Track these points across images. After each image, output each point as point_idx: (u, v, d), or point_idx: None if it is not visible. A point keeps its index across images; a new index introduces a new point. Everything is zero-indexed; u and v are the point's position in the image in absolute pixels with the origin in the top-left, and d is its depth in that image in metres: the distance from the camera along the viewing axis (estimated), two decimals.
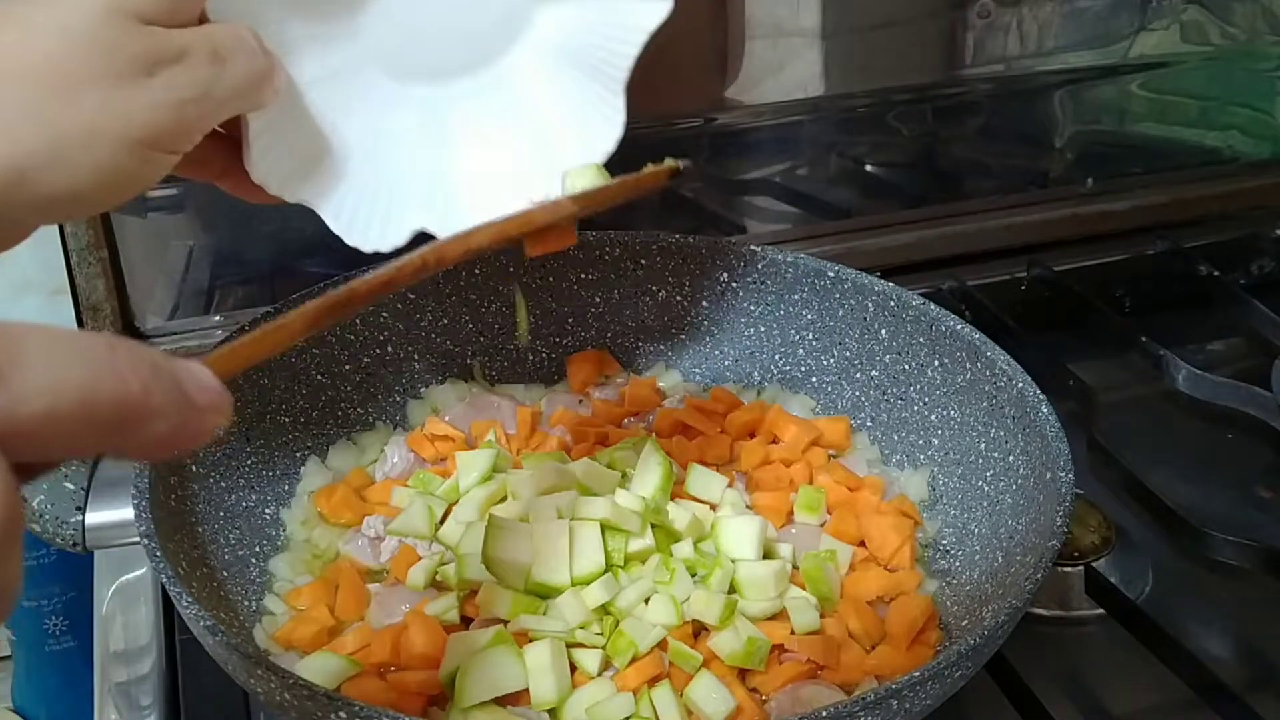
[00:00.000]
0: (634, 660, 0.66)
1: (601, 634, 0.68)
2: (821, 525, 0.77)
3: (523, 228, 0.62)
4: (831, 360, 0.87)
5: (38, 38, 0.47)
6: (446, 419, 0.84)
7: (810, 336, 0.88)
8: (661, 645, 0.67)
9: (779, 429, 0.83)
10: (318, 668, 0.65)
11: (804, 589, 0.72)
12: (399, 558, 0.73)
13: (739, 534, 0.72)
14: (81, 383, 0.29)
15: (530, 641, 0.66)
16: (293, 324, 0.49)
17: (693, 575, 0.71)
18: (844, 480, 0.80)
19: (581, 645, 0.67)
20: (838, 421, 0.84)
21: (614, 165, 0.62)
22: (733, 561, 0.71)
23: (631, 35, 0.63)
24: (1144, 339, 1.04)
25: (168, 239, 0.97)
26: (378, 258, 0.85)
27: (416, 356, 0.87)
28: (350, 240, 0.63)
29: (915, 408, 0.83)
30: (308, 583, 0.73)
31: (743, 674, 0.67)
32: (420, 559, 0.73)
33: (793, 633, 0.68)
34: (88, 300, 0.94)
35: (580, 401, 0.87)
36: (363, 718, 0.53)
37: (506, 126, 0.65)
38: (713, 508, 0.76)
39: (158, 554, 0.62)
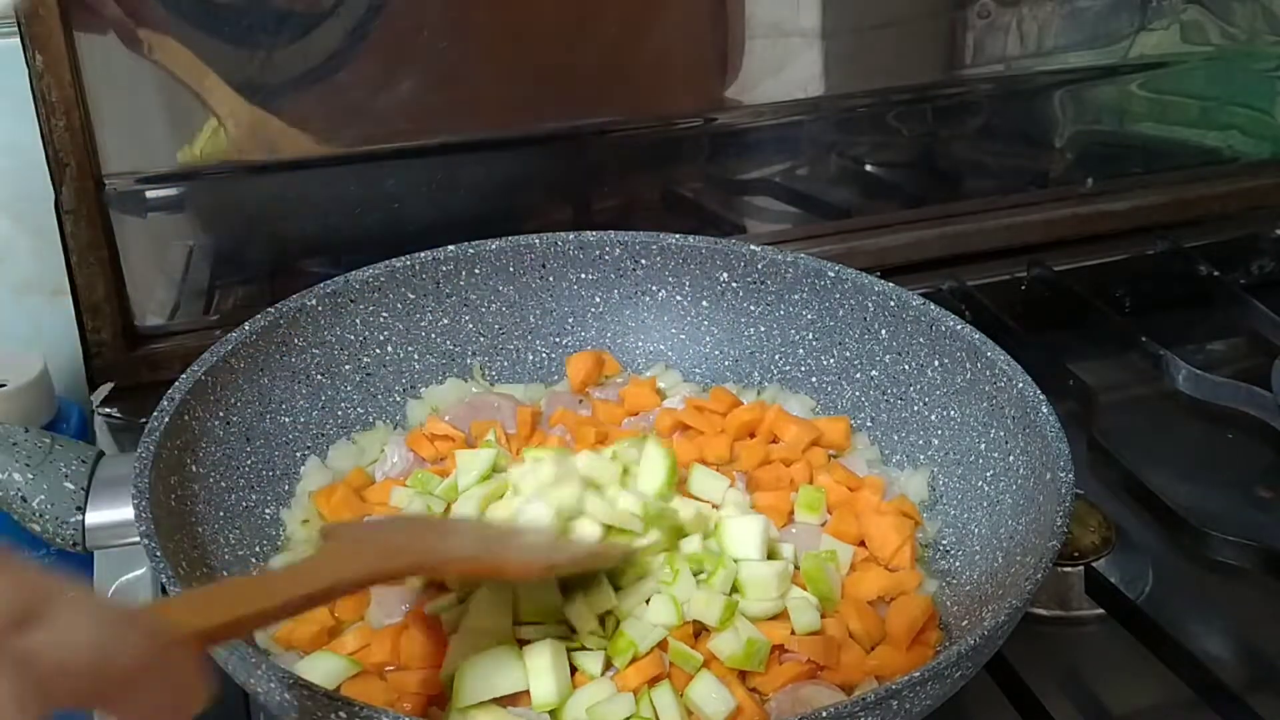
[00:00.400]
0: (634, 660, 0.66)
1: (604, 635, 0.67)
2: (822, 525, 0.77)
3: (495, 572, 0.67)
4: (831, 360, 0.87)
5: None
6: (447, 419, 0.84)
7: (810, 336, 0.88)
8: (662, 645, 0.67)
9: (779, 429, 0.83)
10: (318, 668, 0.65)
11: (804, 589, 0.72)
12: None
13: (743, 534, 0.72)
14: (95, 648, 0.32)
15: (530, 642, 0.66)
16: (288, 603, 0.51)
17: (697, 574, 0.71)
18: (844, 480, 0.80)
19: (582, 646, 0.67)
20: (838, 421, 0.84)
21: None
22: (735, 561, 0.71)
23: None
24: (1144, 339, 1.04)
25: (168, 239, 0.97)
26: (375, 259, 0.85)
27: (416, 356, 0.87)
28: None
29: (915, 408, 0.83)
30: None
31: (743, 674, 0.67)
32: None
33: (793, 633, 0.68)
34: (88, 300, 0.94)
35: (580, 401, 0.87)
36: (363, 718, 0.53)
37: None
38: (715, 507, 0.76)
39: (158, 554, 0.62)
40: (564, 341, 0.91)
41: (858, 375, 0.86)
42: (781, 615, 0.70)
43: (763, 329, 0.89)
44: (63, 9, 0.85)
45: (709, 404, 0.85)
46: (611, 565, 0.70)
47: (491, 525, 0.72)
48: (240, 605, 0.48)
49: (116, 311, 0.95)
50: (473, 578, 0.69)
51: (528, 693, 0.64)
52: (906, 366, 0.83)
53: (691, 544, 0.72)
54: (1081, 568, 0.80)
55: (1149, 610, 0.77)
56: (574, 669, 0.66)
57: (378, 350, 0.86)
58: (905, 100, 1.11)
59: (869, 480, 0.80)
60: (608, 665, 0.66)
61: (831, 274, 0.86)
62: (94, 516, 0.71)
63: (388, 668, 0.66)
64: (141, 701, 0.35)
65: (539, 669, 0.63)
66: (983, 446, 0.77)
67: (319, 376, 0.83)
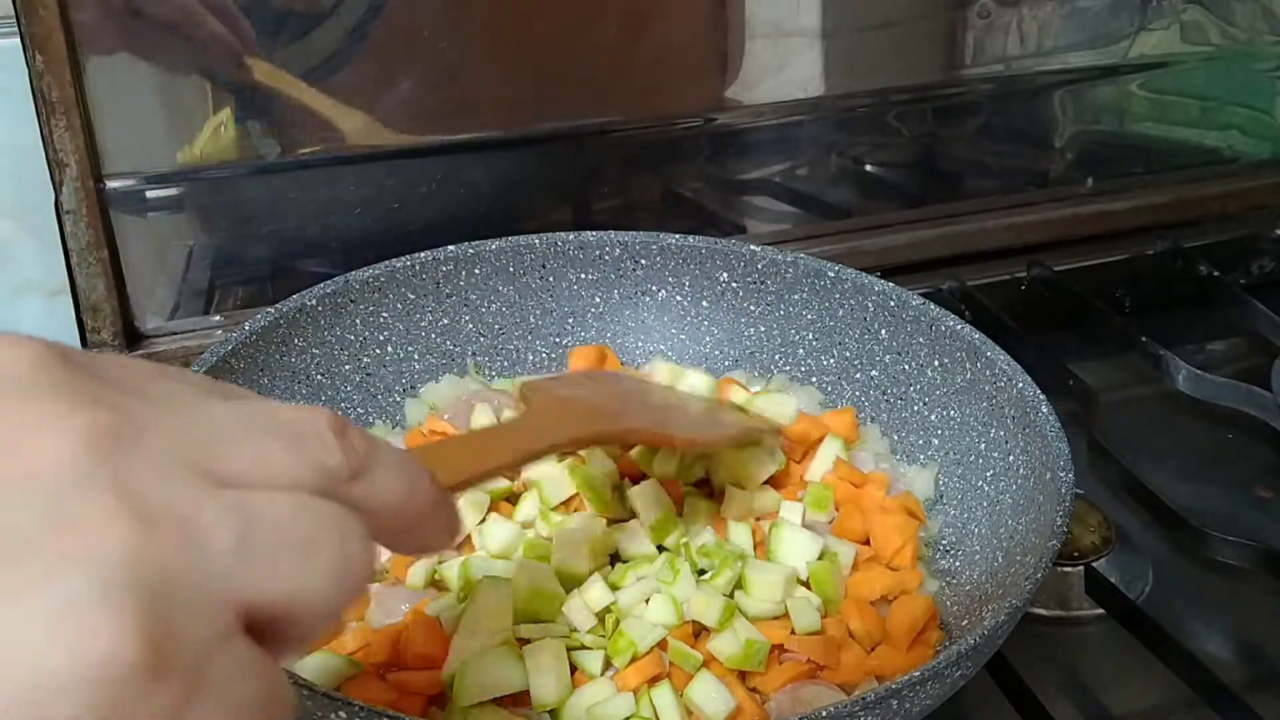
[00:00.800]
0: (634, 660, 0.66)
1: (603, 634, 0.67)
2: (829, 523, 0.77)
3: (668, 441, 0.73)
4: (832, 360, 0.87)
5: None
6: (445, 417, 0.84)
7: (810, 336, 0.88)
8: (661, 645, 0.67)
9: (785, 425, 0.82)
10: (318, 668, 0.65)
11: (808, 588, 0.72)
12: (397, 556, 0.73)
13: (797, 547, 0.73)
14: (402, 495, 0.39)
15: (530, 642, 0.66)
16: (511, 461, 0.59)
17: (701, 572, 0.71)
18: (848, 476, 0.80)
19: (582, 646, 0.67)
20: (844, 414, 0.84)
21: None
22: (741, 559, 0.71)
23: None
24: (1144, 339, 1.04)
25: (168, 239, 0.97)
26: (375, 259, 0.85)
27: (416, 356, 0.87)
28: None
29: (915, 408, 0.83)
30: None
31: (743, 674, 0.67)
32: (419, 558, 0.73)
33: (793, 633, 0.68)
34: (88, 300, 0.94)
35: None
36: (363, 718, 0.53)
37: None
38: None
39: None
40: (564, 341, 0.91)
41: (858, 375, 0.86)
42: (782, 615, 0.70)
43: (763, 329, 0.89)
44: (63, 9, 0.85)
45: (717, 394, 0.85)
46: (760, 444, 0.77)
47: (661, 390, 0.79)
48: (480, 461, 0.53)
49: (116, 311, 0.95)
50: (649, 445, 0.75)
51: (528, 692, 0.64)
52: (906, 366, 0.83)
53: (703, 537, 0.73)
54: (1081, 568, 0.80)
55: (1149, 610, 0.77)
56: (574, 668, 0.66)
57: (378, 350, 0.86)
58: (905, 100, 1.11)
59: (873, 476, 0.80)
60: (607, 665, 0.66)
61: (831, 274, 0.86)
62: None
63: (388, 668, 0.66)
64: (419, 537, 0.41)
65: (539, 668, 0.64)
66: (983, 446, 0.77)
67: (319, 376, 0.83)
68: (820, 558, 0.73)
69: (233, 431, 0.35)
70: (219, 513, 0.33)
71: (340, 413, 0.83)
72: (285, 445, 0.36)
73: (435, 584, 0.72)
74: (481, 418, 0.81)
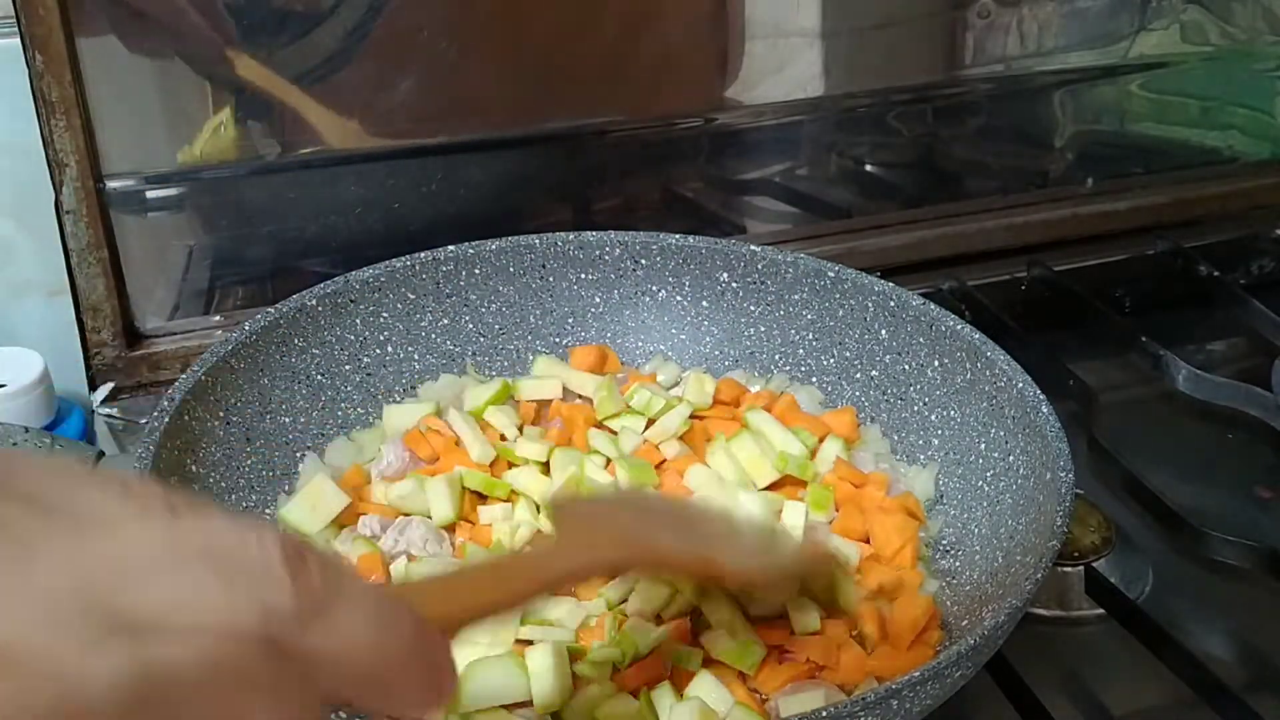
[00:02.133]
0: (634, 660, 0.66)
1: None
2: (829, 523, 0.77)
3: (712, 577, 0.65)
4: (832, 360, 0.87)
5: None
6: (444, 417, 0.83)
7: (810, 336, 0.88)
8: (663, 646, 0.67)
9: (785, 425, 0.82)
10: None
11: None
12: (361, 562, 0.72)
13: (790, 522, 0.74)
14: (374, 639, 0.33)
15: (532, 643, 0.66)
16: (524, 593, 0.50)
17: None
18: (848, 476, 0.80)
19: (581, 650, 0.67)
20: (844, 414, 0.84)
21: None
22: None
23: None
24: (1144, 339, 1.04)
25: (168, 239, 0.97)
26: (375, 259, 0.85)
27: (416, 356, 0.87)
28: None
29: (915, 408, 0.83)
30: None
31: (743, 674, 0.67)
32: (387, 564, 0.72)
33: (792, 633, 0.68)
34: (88, 300, 0.94)
35: (580, 398, 0.87)
36: (362, 717, 0.53)
37: None
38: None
39: None
40: (564, 341, 0.91)
41: (858, 375, 0.86)
42: (782, 615, 0.70)
43: (763, 329, 0.89)
44: (63, 9, 0.85)
45: (717, 394, 0.85)
46: (823, 577, 0.68)
47: (710, 514, 0.71)
48: (485, 593, 0.46)
49: (116, 311, 0.95)
50: (688, 578, 0.68)
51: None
52: (906, 366, 0.83)
53: None
54: (1081, 568, 0.80)
55: (1149, 610, 0.77)
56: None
57: (378, 350, 0.86)
58: (905, 100, 1.11)
59: (873, 476, 0.80)
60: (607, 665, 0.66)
61: (831, 274, 0.86)
62: None
63: None
64: (394, 696, 0.35)
65: (540, 670, 0.63)
66: (983, 446, 0.77)
67: (319, 376, 0.83)
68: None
69: (155, 562, 0.30)
70: (106, 663, 0.28)
71: (339, 414, 0.84)
72: (220, 579, 0.30)
73: None
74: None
